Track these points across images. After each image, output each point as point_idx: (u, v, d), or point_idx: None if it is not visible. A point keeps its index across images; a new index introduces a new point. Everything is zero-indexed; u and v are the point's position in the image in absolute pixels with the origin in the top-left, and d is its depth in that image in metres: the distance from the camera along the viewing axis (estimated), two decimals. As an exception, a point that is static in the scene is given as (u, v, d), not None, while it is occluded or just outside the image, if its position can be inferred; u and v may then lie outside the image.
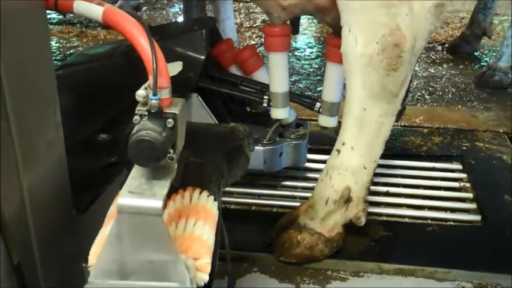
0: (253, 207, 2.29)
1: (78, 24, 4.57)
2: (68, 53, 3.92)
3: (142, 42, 1.14)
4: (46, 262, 1.21)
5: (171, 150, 1.12)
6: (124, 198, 1.05)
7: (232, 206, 2.27)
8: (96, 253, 1.09)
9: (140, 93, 1.11)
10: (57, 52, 3.97)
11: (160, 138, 1.06)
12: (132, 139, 1.06)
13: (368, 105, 1.80)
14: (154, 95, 1.10)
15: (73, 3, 1.20)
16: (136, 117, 1.10)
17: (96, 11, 1.20)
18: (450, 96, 3.49)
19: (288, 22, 2.08)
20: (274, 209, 2.28)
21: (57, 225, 1.26)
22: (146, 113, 1.10)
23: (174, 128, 1.12)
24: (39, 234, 1.18)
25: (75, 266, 1.29)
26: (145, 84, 1.12)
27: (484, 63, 3.97)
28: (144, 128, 1.07)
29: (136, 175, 1.11)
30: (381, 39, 1.72)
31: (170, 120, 1.11)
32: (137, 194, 1.06)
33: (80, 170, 1.47)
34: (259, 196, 2.34)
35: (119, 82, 1.95)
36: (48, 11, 1.22)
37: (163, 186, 1.09)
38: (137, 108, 1.11)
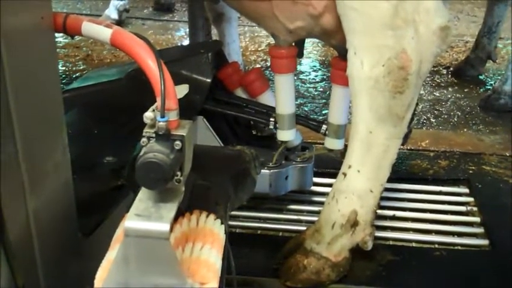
0: (259, 231, 2.27)
1: (84, 48, 4.59)
2: (74, 76, 3.93)
3: (150, 64, 1.14)
4: (51, 285, 1.20)
5: (179, 173, 1.11)
6: (131, 221, 1.04)
7: (237, 230, 2.25)
8: (102, 277, 1.07)
9: (148, 115, 1.10)
10: (63, 75, 3.98)
11: (168, 160, 1.05)
12: (139, 161, 1.05)
13: (374, 128, 1.79)
14: (162, 117, 1.10)
15: (81, 25, 1.20)
16: (143, 140, 1.10)
17: (104, 33, 1.19)
18: (456, 119, 3.48)
19: (293, 44, 2.09)
20: (280, 233, 2.26)
21: (62, 248, 1.25)
22: (154, 135, 1.10)
23: (181, 150, 1.11)
24: (45, 257, 1.17)
25: (80, 290, 1.28)
26: (153, 106, 1.12)
27: (489, 87, 3.97)
28: (151, 150, 1.06)
29: (143, 198, 1.10)
30: (387, 61, 1.71)
31: (178, 142, 1.10)
32: (144, 217, 1.05)
33: (86, 193, 1.46)
34: (265, 220, 2.32)
35: (125, 105, 1.95)
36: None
37: (170, 209, 1.07)
38: (145, 130, 1.11)
